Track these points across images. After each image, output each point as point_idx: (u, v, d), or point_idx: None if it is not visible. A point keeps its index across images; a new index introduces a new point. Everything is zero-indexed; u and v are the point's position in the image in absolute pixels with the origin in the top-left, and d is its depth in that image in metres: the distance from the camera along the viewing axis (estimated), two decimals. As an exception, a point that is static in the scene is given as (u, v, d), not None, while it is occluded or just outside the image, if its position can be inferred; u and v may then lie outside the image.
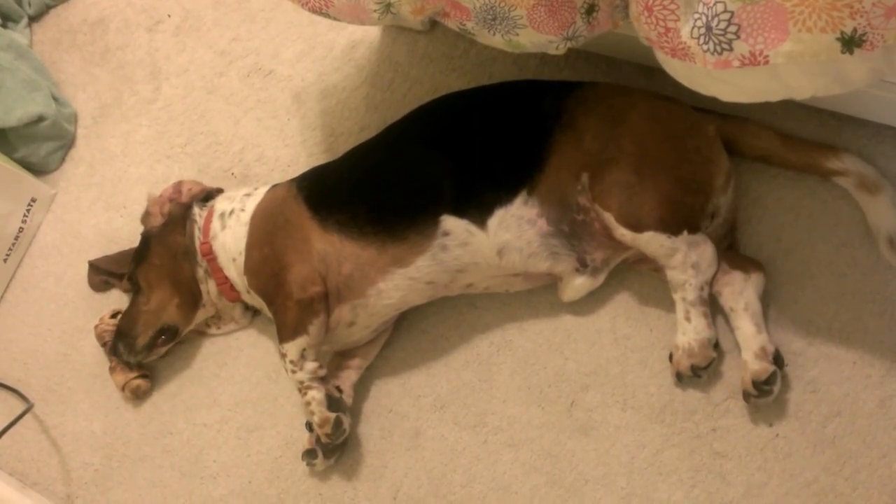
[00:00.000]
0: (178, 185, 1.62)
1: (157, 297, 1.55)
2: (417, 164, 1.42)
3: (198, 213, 1.57)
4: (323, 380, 1.42)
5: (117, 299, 1.73)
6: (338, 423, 1.40)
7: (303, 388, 1.41)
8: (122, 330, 1.56)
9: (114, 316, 1.64)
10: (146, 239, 1.59)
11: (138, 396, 1.62)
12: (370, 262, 1.39)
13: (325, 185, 1.47)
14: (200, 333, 1.64)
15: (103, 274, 1.72)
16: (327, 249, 1.40)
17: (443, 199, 1.37)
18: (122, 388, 1.61)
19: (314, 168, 1.55)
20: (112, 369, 1.62)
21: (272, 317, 1.46)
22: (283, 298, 1.40)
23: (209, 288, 1.56)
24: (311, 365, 1.40)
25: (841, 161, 1.35)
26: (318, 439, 1.43)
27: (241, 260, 1.48)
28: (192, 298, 1.56)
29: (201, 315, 1.59)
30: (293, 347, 1.40)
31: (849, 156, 1.35)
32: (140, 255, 1.58)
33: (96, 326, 1.65)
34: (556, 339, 1.45)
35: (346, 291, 1.41)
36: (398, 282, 1.40)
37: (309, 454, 1.44)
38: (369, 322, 1.45)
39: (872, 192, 1.32)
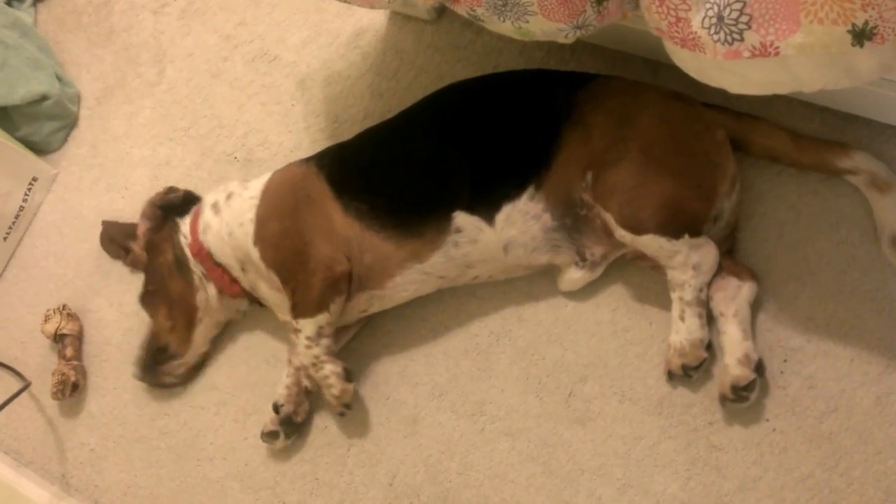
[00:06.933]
0: (149, 207, 1.61)
1: (156, 321, 1.57)
2: (434, 160, 1.41)
3: (179, 221, 1.57)
4: (335, 354, 1.43)
5: (117, 280, 1.73)
6: (354, 393, 1.44)
7: (318, 363, 1.41)
8: (137, 356, 1.59)
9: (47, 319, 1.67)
10: (144, 272, 1.60)
11: (63, 392, 1.60)
12: (389, 256, 1.40)
13: (346, 168, 1.46)
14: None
15: (115, 242, 1.72)
16: (350, 236, 1.40)
17: (457, 195, 1.38)
18: (55, 385, 1.60)
19: (331, 148, 1.53)
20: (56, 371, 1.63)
21: (286, 293, 1.44)
22: (306, 275, 1.40)
23: (208, 294, 1.55)
24: (326, 341, 1.41)
25: (852, 159, 1.35)
26: (283, 420, 1.46)
27: (244, 232, 1.45)
28: (185, 320, 1.55)
29: (200, 333, 1.57)
30: (311, 324, 1.40)
31: (860, 154, 1.35)
32: (143, 286, 1.60)
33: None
34: (556, 330, 1.45)
35: (366, 281, 1.42)
36: (414, 276, 1.41)
37: (270, 435, 1.47)
38: (379, 310, 1.48)
39: (883, 191, 1.33)
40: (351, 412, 1.45)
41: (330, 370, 1.41)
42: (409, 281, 1.41)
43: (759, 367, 1.29)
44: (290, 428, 1.47)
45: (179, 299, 1.54)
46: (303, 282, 1.40)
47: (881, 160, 1.35)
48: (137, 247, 1.61)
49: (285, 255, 1.42)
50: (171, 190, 1.61)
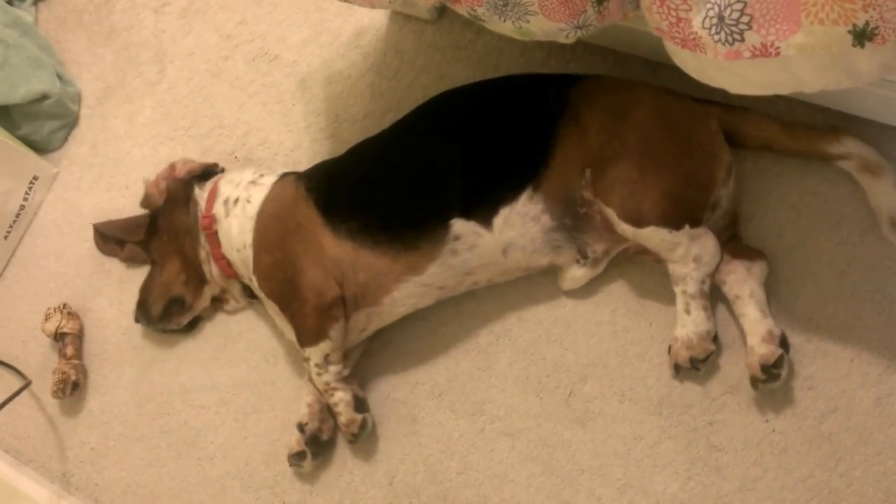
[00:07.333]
0: (171, 166, 1.62)
1: (167, 270, 1.58)
2: (426, 170, 1.41)
3: (199, 193, 1.57)
4: (346, 379, 1.42)
5: (117, 279, 1.73)
6: (363, 424, 1.42)
7: (329, 390, 1.41)
8: (140, 300, 1.60)
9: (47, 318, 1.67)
10: (154, 216, 1.60)
11: (63, 391, 1.60)
12: (384, 271, 1.39)
13: (336, 188, 1.45)
14: (218, 310, 1.65)
15: (109, 240, 1.72)
16: (341, 257, 1.39)
17: (452, 202, 1.37)
18: (55, 384, 1.60)
19: (320, 165, 1.53)
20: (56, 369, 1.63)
21: (287, 321, 1.44)
22: (299, 304, 1.40)
23: (212, 270, 1.56)
24: (335, 367, 1.41)
25: (843, 144, 1.35)
26: (308, 440, 1.43)
27: (246, 254, 1.47)
28: (197, 276, 1.58)
29: (209, 291, 1.60)
30: (316, 353, 1.40)
31: (850, 139, 1.35)
32: (150, 230, 1.60)
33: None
34: (556, 330, 1.45)
35: (361, 299, 1.41)
36: (412, 289, 1.40)
37: (297, 456, 1.44)
38: (379, 327, 1.47)
39: (875, 175, 1.33)
40: (363, 441, 1.45)
41: (340, 397, 1.41)
42: (407, 295, 1.41)
43: (784, 343, 1.29)
44: (316, 447, 1.44)
45: (193, 257, 1.56)
46: (297, 311, 1.40)
47: (881, 160, 1.36)
48: (156, 188, 1.60)
49: (279, 286, 1.43)
50: (215, 166, 1.65)
